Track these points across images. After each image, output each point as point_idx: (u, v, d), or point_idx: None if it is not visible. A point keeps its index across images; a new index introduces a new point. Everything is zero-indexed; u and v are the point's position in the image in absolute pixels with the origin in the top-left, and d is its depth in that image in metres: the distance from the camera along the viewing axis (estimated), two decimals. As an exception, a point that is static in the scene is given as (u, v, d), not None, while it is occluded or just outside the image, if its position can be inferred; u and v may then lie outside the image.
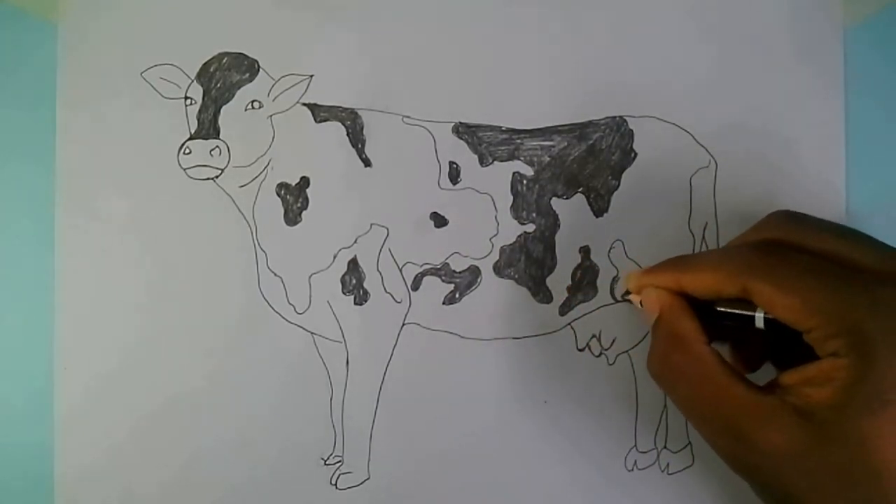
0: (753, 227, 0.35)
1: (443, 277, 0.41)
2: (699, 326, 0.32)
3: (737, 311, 0.32)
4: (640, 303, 0.35)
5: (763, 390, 0.30)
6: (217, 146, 0.39)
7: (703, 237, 0.41)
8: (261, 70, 0.40)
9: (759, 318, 0.31)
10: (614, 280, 0.41)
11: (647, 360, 0.34)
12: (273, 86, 0.40)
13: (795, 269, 0.30)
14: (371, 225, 0.41)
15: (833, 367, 0.28)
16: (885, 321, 0.27)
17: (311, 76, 0.41)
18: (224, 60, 0.40)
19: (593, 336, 0.41)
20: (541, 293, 0.41)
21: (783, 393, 0.29)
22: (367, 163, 0.41)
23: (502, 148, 0.41)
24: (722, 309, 0.33)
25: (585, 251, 0.41)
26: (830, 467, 0.28)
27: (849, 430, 0.27)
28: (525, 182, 0.41)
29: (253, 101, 0.40)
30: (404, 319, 0.41)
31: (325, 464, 0.40)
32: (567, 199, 0.41)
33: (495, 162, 0.41)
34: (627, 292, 0.37)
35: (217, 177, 0.40)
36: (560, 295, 0.41)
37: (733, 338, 0.37)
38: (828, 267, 0.29)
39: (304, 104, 0.41)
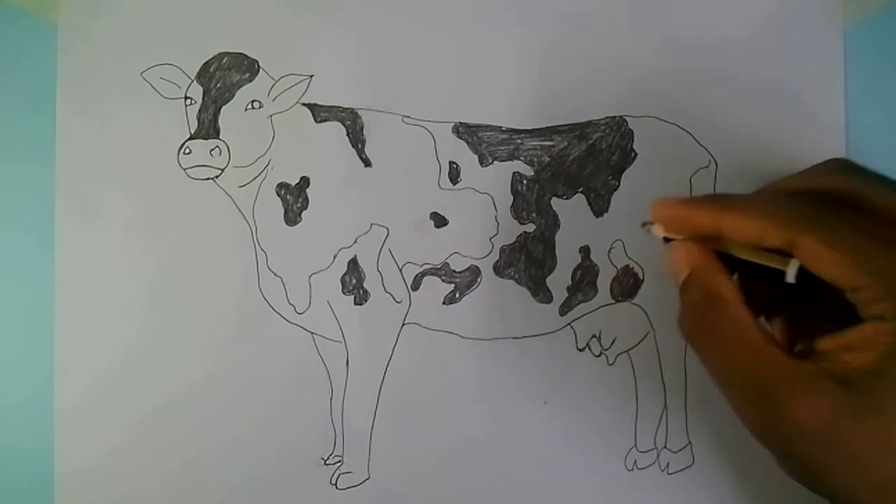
0: (805, 172, 0.33)
1: (443, 277, 0.41)
2: (735, 285, 0.31)
3: (766, 264, 0.30)
4: (663, 238, 0.33)
5: (798, 356, 0.29)
6: (217, 146, 0.39)
7: (703, 237, 0.41)
8: (261, 70, 0.40)
9: (792, 270, 0.29)
10: (614, 280, 0.41)
11: (679, 319, 0.32)
12: (273, 86, 0.40)
13: (847, 226, 0.28)
14: (371, 225, 0.41)
15: (877, 331, 0.27)
16: None
17: (311, 76, 0.41)
18: (224, 60, 0.40)
19: (593, 336, 0.41)
20: (541, 293, 0.41)
21: (819, 359, 0.28)
22: (367, 163, 0.41)
23: (502, 148, 0.41)
24: (748, 257, 0.30)
25: (585, 251, 0.41)
26: (865, 437, 0.26)
27: (886, 396, 0.26)
28: (525, 182, 0.41)
29: (253, 101, 0.40)
30: (404, 319, 0.41)
31: (325, 464, 0.40)
32: (567, 199, 0.41)
33: (495, 162, 0.41)
34: (649, 222, 0.34)
35: (217, 177, 0.40)
36: (560, 295, 0.41)
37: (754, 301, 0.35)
38: (882, 226, 0.28)
39: (304, 104, 0.41)
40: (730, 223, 0.30)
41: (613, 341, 0.41)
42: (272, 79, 0.40)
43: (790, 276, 0.29)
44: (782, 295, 0.31)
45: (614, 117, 0.41)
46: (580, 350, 0.41)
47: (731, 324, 0.30)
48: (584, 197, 0.41)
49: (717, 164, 0.41)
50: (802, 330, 0.35)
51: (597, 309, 0.41)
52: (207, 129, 0.40)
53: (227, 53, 0.40)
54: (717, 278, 0.31)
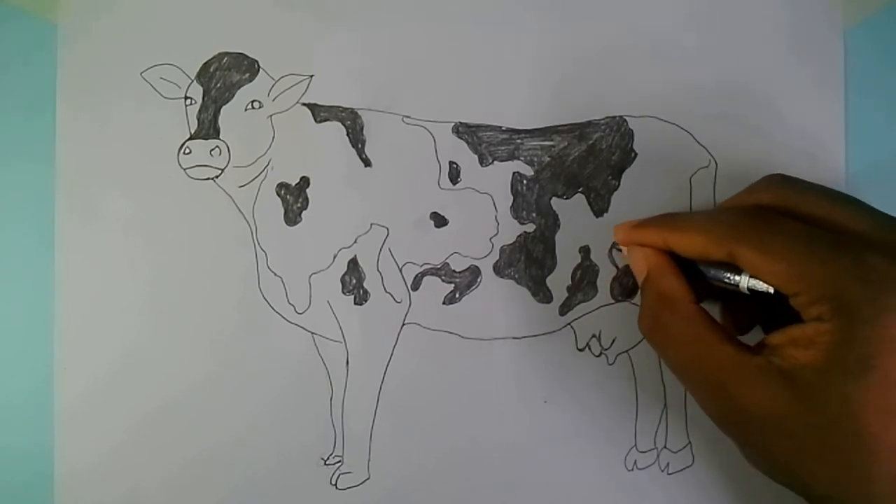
0: (747, 189, 0.34)
1: (443, 277, 0.41)
2: (686, 285, 0.32)
3: (721, 274, 0.32)
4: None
5: (750, 350, 0.30)
6: (217, 146, 0.39)
7: (703, 237, 0.41)
8: (261, 70, 0.40)
9: (744, 284, 0.31)
10: (614, 280, 0.41)
11: (638, 319, 0.34)
12: (273, 86, 0.40)
13: (781, 235, 0.29)
14: (371, 225, 0.41)
15: (817, 330, 0.28)
16: (870, 287, 0.27)
17: (311, 76, 0.41)
18: (224, 60, 0.40)
19: (593, 336, 0.41)
20: (541, 293, 0.41)
21: (769, 353, 0.29)
22: (367, 163, 0.41)
23: (502, 148, 0.41)
24: (705, 270, 0.33)
25: (585, 251, 0.41)
26: (812, 430, 0.28)
27: (831, 393, 0.27)
28: (525, 182, 0.41)
29: (253, 101, 0.40)
30: (404, 319, 0.41)
31: (325, 464, 0.40)
32: (567, 199, 0.41)
33: (495, 162, 0.41)
34: (616, 244, 0.37)
35: (217, 177, 0.40)
36: (560, 295, 0.41)
37: (725, 299, 0.36)
38: (815, 232, 0.29)
39: (304, 104, 0.41)
40: (675, 241, 0.33)
41: (613, 341, 0.41)
42: (272, 79, 0.40)
43: (743, 288, 0.31)
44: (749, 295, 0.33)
45: (614, 117, 0.41)
46: (580, 350, 0.41)
47: (682, 322, 0.32)
48: (584, 197, 0.41)
49: (717, 164, 0.41)
50: (767, 325, 0.36)
51: (597, 309, 0.41)
52: (207, 129, 0.40)
53: (227, 53, 0.40)
54: (668, 279, 0.33)
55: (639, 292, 0.41)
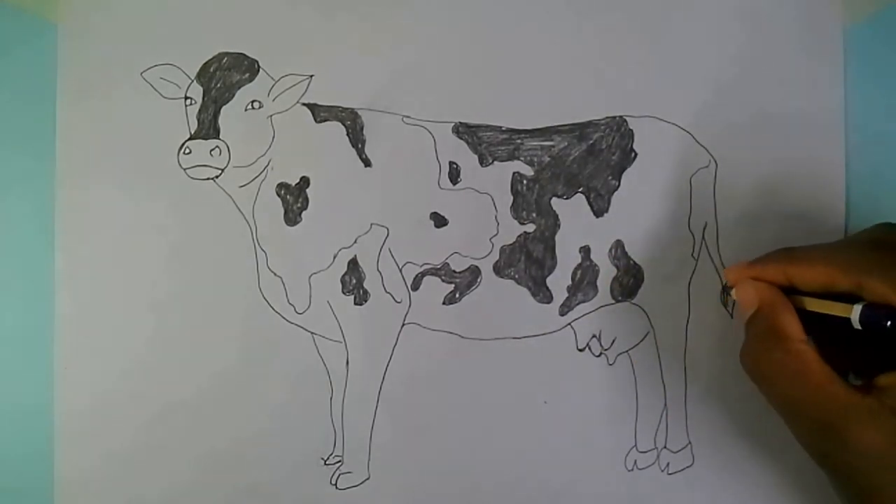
0: (862, 231, 0.34)
1: (443, 277, 0.41)
2: (799, 322, 0.32)
3: (832, 313, 0.32)
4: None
5: (860, 391, 0.30)
6: (217, 146, 0.39)
7: (703, 237, 0.41)
8: (261, 70, 0.40)
9: (856, 314, 0.31)
10: (614, 280, 0.41)
11: (741, 354, 0.34)
12: (273, 86, 0.40)
13: None
14: (371, 225, 0.41)
15: None
16: None
17: (311, 76, 0.41)
18: (224, 60, 0.40)
19: (593, 336, 0.41)
20: (541, 293, 0.41)
21: (880, 394, 0.29)
22: (367, 163, 0.41)
23: (502, 148, 0.41)
24: (816, 309, 0.32)
25: (585, 251, 0.41)
26: None
27: None
28: (525, 182, 0.41)
29: (253, 101, 0.40)
30: (404, 319, 0.41)
31: (325, 464, 0.40)
32: (567, 199, 0.41)
33: (495, 162, 0.41)
34: (728, 289, 0.36)
35: (217, 177, 0.40)
36: (560, 295, 0.41)
37: (826, 338, 0.36)
38: None
39: (304, 104, 0.41)
40: (798, 273, 0.33)
41: (613, 341, 0.41)
42: (272, 79, 0.40)
43: (855, 323, 0.31)
44: (849, 336, 0.32)
45: (614, 117, 0.41)
46: (580, 350, 0.41)
47: (794, 359, 0.32)
48: (584, 197, 0.41)
49: (717, 164, 0.41)
50: (863, 368, 0.36)
51: (597, 309, 0.41)
52: (207, 129, 0.40)
53: (227, 53, 0.40)
54: (782, 315, 0.33)
55: (639, 292, 0.41)
